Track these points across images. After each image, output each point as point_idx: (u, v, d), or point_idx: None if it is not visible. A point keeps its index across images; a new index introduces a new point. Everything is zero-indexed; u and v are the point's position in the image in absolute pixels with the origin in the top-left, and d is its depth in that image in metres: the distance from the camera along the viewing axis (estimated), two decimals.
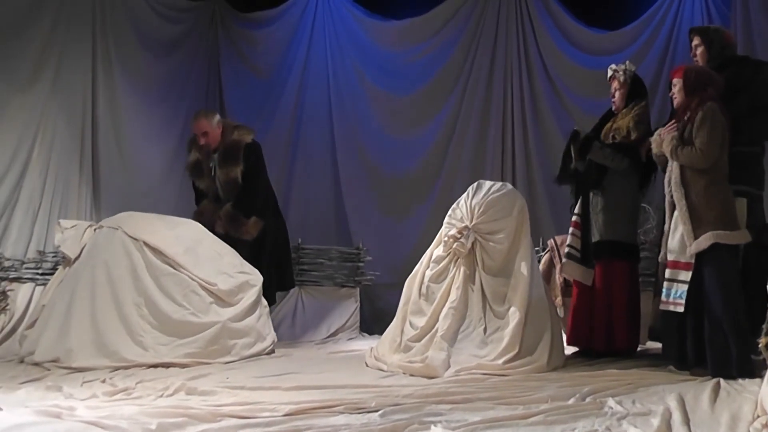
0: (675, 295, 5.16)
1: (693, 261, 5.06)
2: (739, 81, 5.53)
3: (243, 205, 7.00)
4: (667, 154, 5.17)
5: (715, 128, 5.02)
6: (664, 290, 5.25)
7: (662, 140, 5.21)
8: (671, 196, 5.19)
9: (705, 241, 4.96)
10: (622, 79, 6.11)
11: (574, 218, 6.22)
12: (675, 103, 5.31)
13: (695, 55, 5.85)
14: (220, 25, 9.35)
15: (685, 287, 5.10)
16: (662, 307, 5.30)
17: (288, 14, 9.29)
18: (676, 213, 5.15)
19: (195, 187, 7.32)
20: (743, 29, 7.66)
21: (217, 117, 7.26)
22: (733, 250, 5.07)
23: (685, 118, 5.16)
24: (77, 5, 7.76)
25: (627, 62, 6.24)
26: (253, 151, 7.17)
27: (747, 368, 4.82)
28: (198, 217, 7.02)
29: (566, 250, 6.23)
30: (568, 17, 8.81)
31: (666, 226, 5.32)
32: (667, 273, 5.25)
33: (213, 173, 7.12)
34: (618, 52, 8.45)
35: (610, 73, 6.21)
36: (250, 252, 6.85)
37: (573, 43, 8.82)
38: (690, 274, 5.08)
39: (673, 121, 5.30)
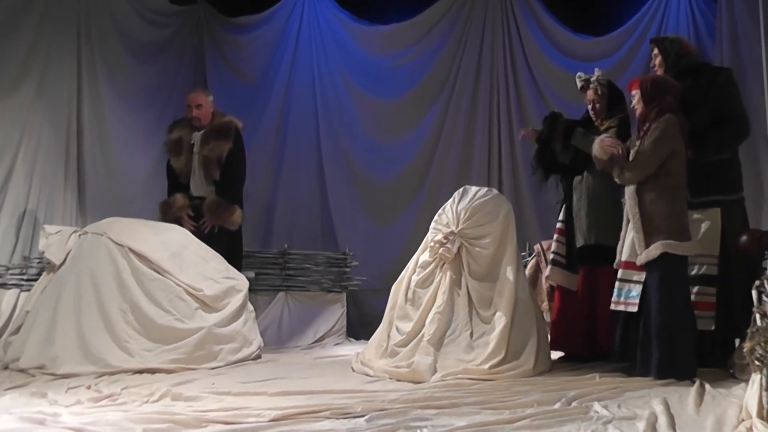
0: (628, 296, 5.21)
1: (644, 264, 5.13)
2: (695, 93, 5.54)
3: (227, 191, 7.03)
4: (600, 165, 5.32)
5: (661, 143, 5.04)
6: (615, 290, 5.30)
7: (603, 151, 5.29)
8: (626, 207, 5.27)
9: (654, 250, 5.00)
10: (599, 92, 6.08)
11: (558, 225, 6.25)
12: (637, 114, 5.32)
13: (654, 65, 5.91)
14: (205, 30, 9.33)
15: (640, 287, 5.16)
16: (613, 307, 5.34)
17: (274, 19, 9.29)
18: (630, 221, 5.22)
19: (169, 172, 7.26)
20: (729, 35, 7.70)
21: (212, 97, 7.36)
22: (682, 260, 5.09)
23: (644, 128, 5.19)
24: (62, 10, 7.73)
25: (595, 70, 6.20)
26: (241, 137, 7.25)
27: (667, 374, 4.88)
28: (165, 208, 7.05)
29: (551, 257, 6.25)
30: (555, 23, 8.86)
31: (622, 233, 5.35)
32: (620, 273, 5.30)
33: (192, 152, 7.09)
34: (604, 57, 8.51)
35: (580, 83, 6.18)
36: (232, 243, 6.89)
37: (559, 49, 8.86)
38: (644, 275, 5.14)
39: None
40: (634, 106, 5.34)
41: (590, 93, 6.14)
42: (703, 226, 5.47)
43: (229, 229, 7.00)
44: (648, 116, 5.19)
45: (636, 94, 5.28)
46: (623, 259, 5.28)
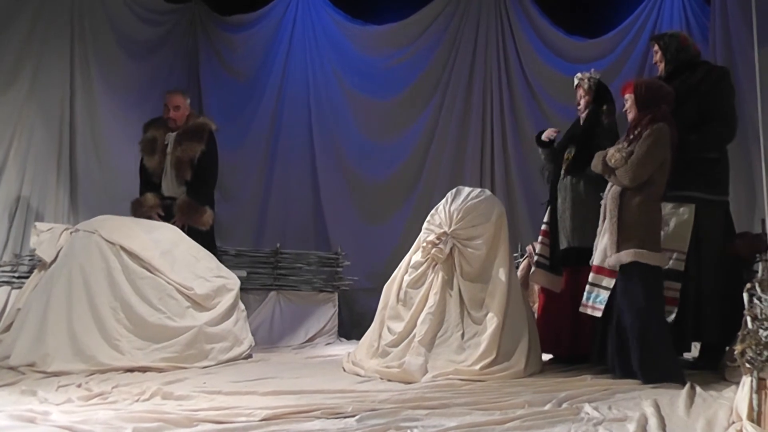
0: (595, 300, 5.18)
1: (616, 269, 5.07)
2: (687, 86, 5.54)
3: (198, 193, 7.01)
4: (599, 171, 5.24)
5: (653, 152, 4.98)
6: (585, 293, 5.27)
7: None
8: (605, 206, 5.20)
9: (626, 257, 4.96)
10: (586, 86, 6.17)
11: (543, 226, 6.26)
12: (629, 118, 5.27)
13: (656, 62, 5.91)
14: (199, 28, 9.34)
15: (607, 293, 5.12)
16: (581, 309, 5.31)
17: (268, 18, 9.30)
18: (606, 221, 5.17)
19: (142, 170, 7.21)
20: (722, 37, 7.70)
21: (189, 100, 7.34)
22: (654, 269, 5.02)
23: (635, 132, 5.12)
24: (56, 7, 7.73)
25: (592, 70, 6.29)
26: (214, 139, 7.21)
27: (652, 376, 4.83)
28: (136, 206, 7.00)
29: (535, 258, 6.27)
30: (548, 25, 8.87)
31: (599, 229, 5.30)
32: (591, 277, 5.25)
33: (165, 153, 7.07)
34: (597, 59, 8.52)
35: (576, 81, 6.27)
36: (203, 244, 6.86)
37: (552, 51, 8.88)
38: (613, 281, 5.09)
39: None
40: (626, 110, 5.29)
41: (580, 90, 6.24)
42: (674, 220, 5.45)
43: (200, 229, 6.96)
44: (640, 122, 5.13)
45: (629, 98, 5.23)
46: (595, 263, 5.23)
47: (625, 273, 5.02)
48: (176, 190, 7.05)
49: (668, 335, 5.03)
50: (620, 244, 5.00)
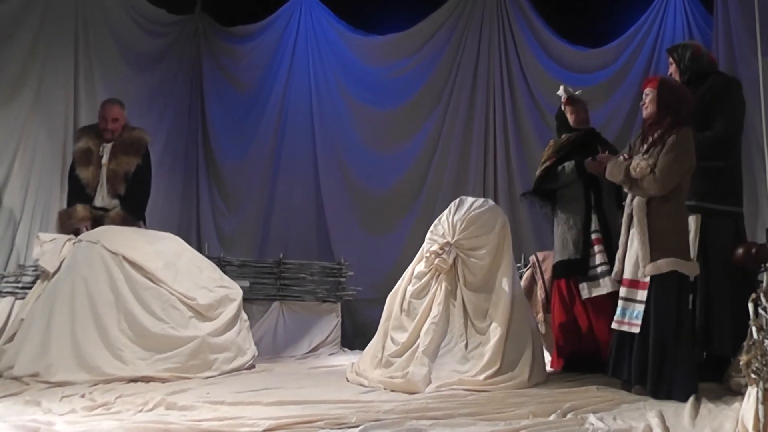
0: (632, 316, 5.03)
1: (648, 281, 4.95)
2: (696, 97, 5.51)
3: (132, 207, 6.85)
4: (618, 181, 5.18)
5: (681, 159, 4.89)
6: (619, 309, 5.15)
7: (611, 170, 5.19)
8: (630, 215, 5.11)
9: (666, 265, 4.85)
10: (583, 103, 6.33)
11: (595, 235, 6.03)
12: (645, 113, 5.15)
13: (671, 73, 5.89)
14: (202, 39, 9.37)
15: (642, 307, 4.96)
16: (615, 326, 5.15)
17: (271, 29, 9.32)
18: (633, 229, 5.07)
19: (73, 180, 6.96)
20: (725, 47, 7.70)
21: (126, 111, 7.13)
22: (686, 278, 4.95)
23: (655, 135, 5.03)
24: (59, 19, 7.76)
25: (571, 87, 6.48)
26: (149, 153, 7.07)
27: (661, 390, 4.77)
28: (64, 218, 6.77)
29: (599, 269, 5.96)
30: (551, 35, 8.87)
31: (622, 240, 5.20)
32: (623, 291, 5.13)
33: (100, 164, 6.88)
34: (600, 69, 8.53)
35: (566, 95, 6.30)
36: None
37: (555, 60, 8.87)
38: (646, 293, 4.96)
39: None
40: (644, 104, 5.14)
41: (575, 104, 6.35)
42: None
43: None
44: (658, 121, 5.02)
45: (651, 93, 5.09)
46: (627, 276, 5.10)
47: (659, 283, 4.89)
48: (108, 202, 6.85)
49: (691, 350, 4.91)
50: (653, 253, 4.88)
